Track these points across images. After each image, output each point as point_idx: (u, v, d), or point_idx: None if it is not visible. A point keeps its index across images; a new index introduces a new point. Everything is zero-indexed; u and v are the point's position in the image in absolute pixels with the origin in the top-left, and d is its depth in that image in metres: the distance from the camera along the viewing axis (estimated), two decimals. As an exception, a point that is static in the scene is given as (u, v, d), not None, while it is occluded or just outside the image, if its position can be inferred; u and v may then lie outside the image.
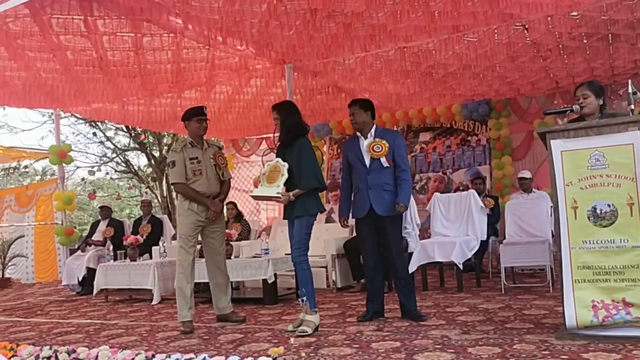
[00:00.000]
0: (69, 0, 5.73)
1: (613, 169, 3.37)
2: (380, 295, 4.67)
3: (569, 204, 3.48)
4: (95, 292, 7.20)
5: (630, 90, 3.54)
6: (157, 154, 16.17)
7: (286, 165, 4.32)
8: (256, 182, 4.19)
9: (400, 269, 4.57)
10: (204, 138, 5.03)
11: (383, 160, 4.48)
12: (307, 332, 4.09)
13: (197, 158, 4.86)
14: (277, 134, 4.53)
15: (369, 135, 4.61)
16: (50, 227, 11.20)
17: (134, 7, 5.71)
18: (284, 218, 4.51)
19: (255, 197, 4.49)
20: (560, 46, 7.48)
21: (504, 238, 6.32)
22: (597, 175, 3.41)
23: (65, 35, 6.41)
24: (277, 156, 4.48)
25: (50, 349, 3.46)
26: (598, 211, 3.39)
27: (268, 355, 2.78)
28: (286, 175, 4.28)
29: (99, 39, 6.53)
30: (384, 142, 4.51)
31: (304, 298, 4.27)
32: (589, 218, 3.41)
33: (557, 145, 3.54)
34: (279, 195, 4.26)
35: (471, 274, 6.92)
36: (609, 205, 3.36)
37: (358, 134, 4.68)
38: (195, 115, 4.90)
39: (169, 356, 3.06)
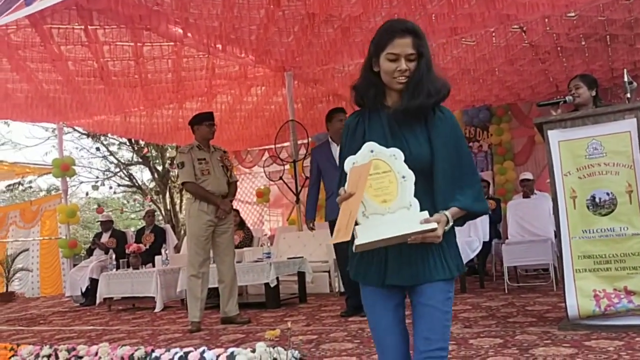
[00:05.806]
0: (69, 10, 5.80)
1: (611, 157, 3.36)
2: (359, 292, 4.76)
3: (567, 194, 3.47)
4: (98, 301, 7.18)
5: (626, 79, 3.55)
6: (160, 168, 16.21)
7: (396, 152, 1.67)
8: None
9: None
10: (210, 143, 5.17)
11: None
12: None
13: (204, 159, 5.02)
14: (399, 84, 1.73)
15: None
16: (55, 242, 11.22)
17: (133, 15, 5.77)
18: (385, 284, 1.91)
19: (363, 247, 1.76)
20: (559, 48, 7.50)
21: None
22: (595, 164, 3.40)
23: (66, 45, 6.48)
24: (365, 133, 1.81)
25: (50, 347, 3.45)
26: (597, 200, 3.38)
27: (265, 339, 2.76)
28: (411, 177, 1.64)
29: (99, 48, 6.59)
30: None
31: None
32: (588, 207, 3.40)
33: (554, 136, 3.54)
34: (434, 225, 1.61)
35: (475, 277, 6.88)
36: (607, 194, 3.35)
37: (330, 140, 5.05)
38: (206, 119, 5.11)
39: (168, 350, 3.05)
